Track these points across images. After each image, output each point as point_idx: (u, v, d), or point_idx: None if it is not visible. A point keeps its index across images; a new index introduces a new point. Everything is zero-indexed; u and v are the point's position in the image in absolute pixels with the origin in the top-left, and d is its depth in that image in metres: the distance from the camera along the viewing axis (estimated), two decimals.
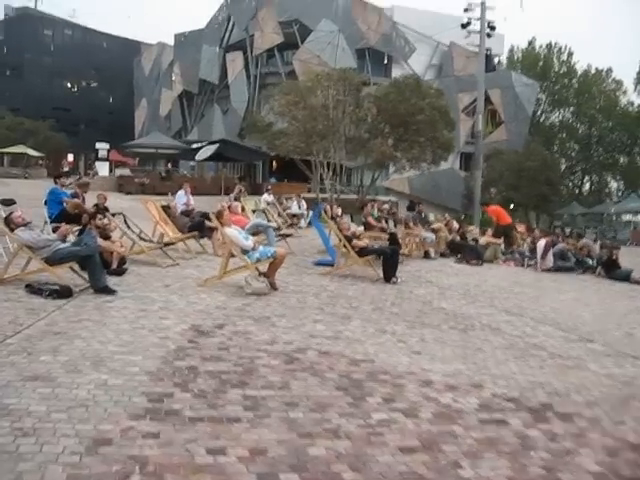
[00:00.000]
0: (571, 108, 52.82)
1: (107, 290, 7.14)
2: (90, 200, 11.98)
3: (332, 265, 11.30)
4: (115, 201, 12.68)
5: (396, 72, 42.47)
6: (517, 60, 54.16)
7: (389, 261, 10.43)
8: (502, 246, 15.14)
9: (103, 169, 43.34)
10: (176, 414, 3.85)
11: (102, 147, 44.59)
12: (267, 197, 20.30)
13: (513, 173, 38.54)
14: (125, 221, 10.03)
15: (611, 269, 13.39)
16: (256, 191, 28.02)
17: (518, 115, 47.35)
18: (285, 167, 38.45)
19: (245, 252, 8.35)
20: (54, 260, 7.10)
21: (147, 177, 33.86)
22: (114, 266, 8.50)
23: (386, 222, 15.42)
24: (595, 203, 48.31)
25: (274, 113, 27.72)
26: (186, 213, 14.22)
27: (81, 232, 10.51)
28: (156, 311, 6.66)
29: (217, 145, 25.19)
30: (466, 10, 27.90)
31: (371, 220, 13.48)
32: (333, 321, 7.06)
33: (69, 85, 65.67)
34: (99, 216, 8.72)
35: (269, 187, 20.96)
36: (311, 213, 21.06)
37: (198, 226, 11.78)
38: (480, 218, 29.03)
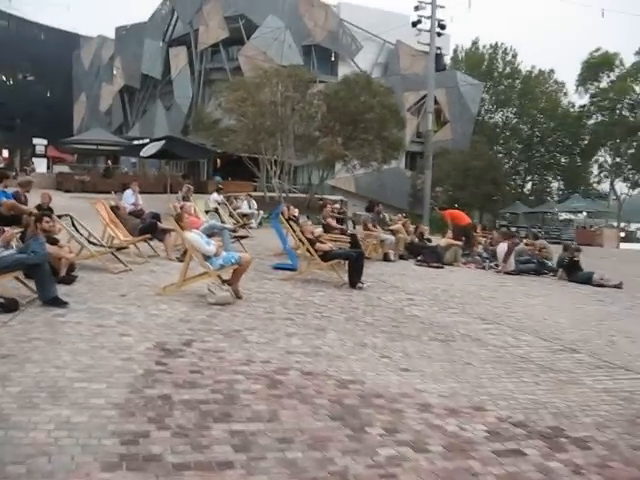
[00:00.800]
0: (514, 108, 53.68)
1: (57, 302, 6.45)
2: (32, 200, 11.17)
3: (293, 269, 10.82)
4: (55, 199, 11.78)
5: (342, 70, 42.20)
6: (461, 60, 54.70)
7: (355, 265, 9.99)
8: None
9: (41, 166, 41.63)
10: (157, 460, 3.27)
11: (39, 143, 42.79)
12: (217, 197, 19.62)
13: (459, 173, 38.89)
14: (73, 223, 9.26)
15: (573, 271, 13.30)
16: (201, 190, 27.17)
17: (463, 115, 47.82)
18: (229, 165, 37.64)
19: (207, 258, 7.75)
20: None
21: (87, 174, 32.58)
22: (62, 274, 7.77)
23: (340, 222, 15.03)
24: (537, 203, 49.26)
25: (222, 109, 26.92)
26: (135, 214, 13.48)
27: (23, 236, 9.77)
28: (114, 326, 6.02)
29: (163, 142, 24.23)
30: (417, 8, 27.77)
31: (331, 221, 13.03)
32: (307, 334, 6.57)
33: (4, 78, 62.73)
34: (45, 219, 7.94)
35: (220, 186, 20.25)
36: (261, 213, 20.53)
37: (150, 228, 11.08)
38: (429, 217, 29.02)
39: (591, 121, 49.53)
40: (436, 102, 45.64)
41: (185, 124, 41.93)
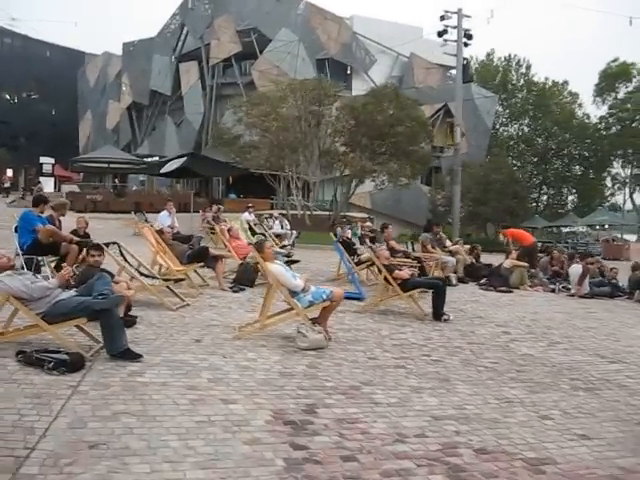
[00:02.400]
0: (528, 121, 52.69)
1: (129, 355, 5.20)
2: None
3: (359, 299, 9.61)
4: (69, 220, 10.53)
5: (356, 84, 41.21)
6: (475, 72, 53.74)
7: (440, 295, 8.76)
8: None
9: (48, 185, 40.44)
10: None
11: (47, 161, 41.71)
12: (248, 216, 18.39)
13: (480, 187, 37.66)
14: (121, 252, 8.00)
15: None
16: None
17: (478, 127, 46.74)
18: (242, 182, 36.44)
19: (293, 294, 6.51)
20: (55, 316, 5.14)
21: (99, 193, 31.37)
22: (120, 315, 6.49)
23: (372, 241, 13.76)
24: (552, 216, 48.03)
25: (243, 125, 25.75)
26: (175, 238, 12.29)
27: (58, 266, 8.53)
28: (209, 388, 4.77)
29: (184, 159, 23.05)
30: (442, 18, 26.65)
31: (395, 244, 11.76)
32: (435, 387, 5.38)
33: (8, 97, 61.56)
34: (92, 252, 6.68)
35: (250, 205, 19.00)
36: (294, 233, 19.29)
37: (201, 254, 9.82)
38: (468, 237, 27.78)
39: (609, 132, 48.42)
40: (451, 115, 44.68)
41: (197, 140, 40.76)
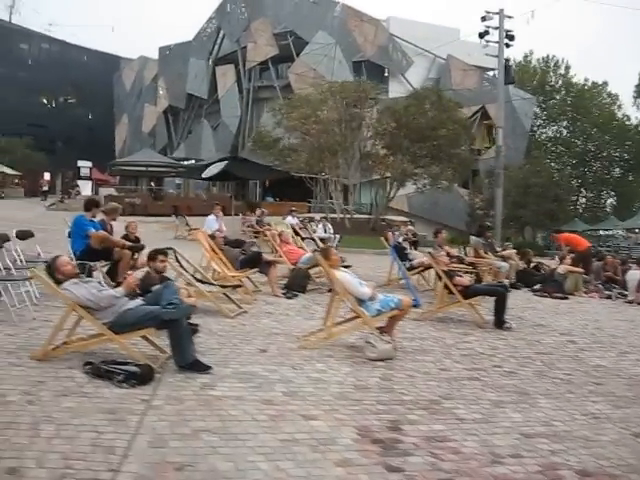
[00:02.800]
0: (567, 122, 51.74)
1: (198, 366, 5.00)
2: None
3: (415, 306, 9.29)
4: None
5: (393, 86, 40.86)
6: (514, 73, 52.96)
7: (502, 302, 8.43)
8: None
9: (86, 188, 40.96)
10: None
11: (84, 165, 42.16)
12: (292, 220, 18.24)
13: (519, 190, 37.00)
14: (177, 258, 7.84)
15: None
16: (255, 211, 25.81)
17: (516, 130, 45.95)
18: (278, 185, 36.40)
19: (361, 302, 6.27)
20: (122, 326, 4.97)
21: (138, 197, 31.54)
22: None
23: (413, 247, 13.42)
24: (591, 220, 47.01)
25: (283, 127, 25.62)
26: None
27: (110, 272, 8.42)
28: (286, 402, 4.56)
29: (226, 162, 22.96)
30: (483, 19, 26.19)
31: (449, 249, 11.43)
32: (515, 402, 5.11)
33: (45, 101, 62.59)
34: (160, 257, 6.52)
35: (293, 208, 18.84)
36: (337, 237, 19.08)
37: (255, 260, 9.63)
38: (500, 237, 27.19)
39: None
40: (488, 117, 44.04)
41: (233, 143, 40.79)
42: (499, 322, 8.35)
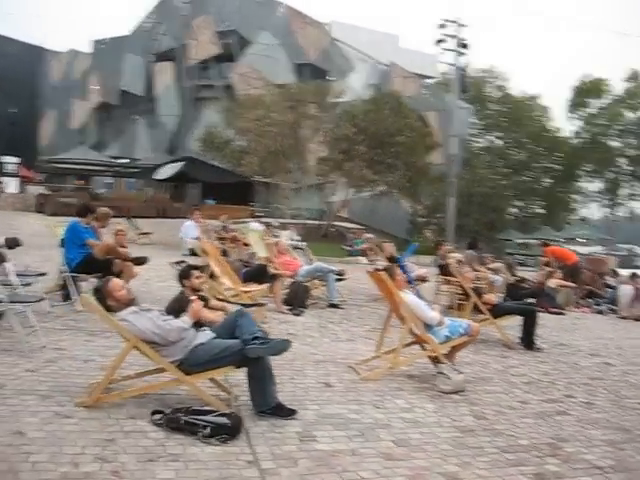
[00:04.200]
0: (499, 133, 52.74)
1: (283, 411, 4.22)
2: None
3: None
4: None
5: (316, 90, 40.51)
6: (450, 83, 53.60)
7: (532, 322, 7.98)
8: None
9: (10, 186, 38.30)
10: None
11: (10, 161, 39.40)
12: (257, 225, 17.35)
13: (462, 199, 37.33)
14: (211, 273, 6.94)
15: None
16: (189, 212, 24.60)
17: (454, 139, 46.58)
18: (217, 187, 35.18)
19: (428, 328, 5.61)
20: (193, 364, 4.11)
21: (74, 196, 29.73)
22: None
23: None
24: (523, 229, 47.99)
25: (235, 129, 24.62)
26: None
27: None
28: (405, 453, 3.90)
29: (182, 163, 21.77)
30: (441, 26, 26.15)
31: (452, 262, 10.89)
32: (626, 440, 4.63)
33: None
34: (196, 273, 5.64)
35: (258, 213, 17.94)
36: (304, 244, 18.28)
37: (259, 273, 8.80)
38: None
39: (579, 146, 48.92)
40: (427, 126, 44.37)
41: (172, 143, 39.31)
42: (529, 342, 7.90)
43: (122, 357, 4.07)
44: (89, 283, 8.00)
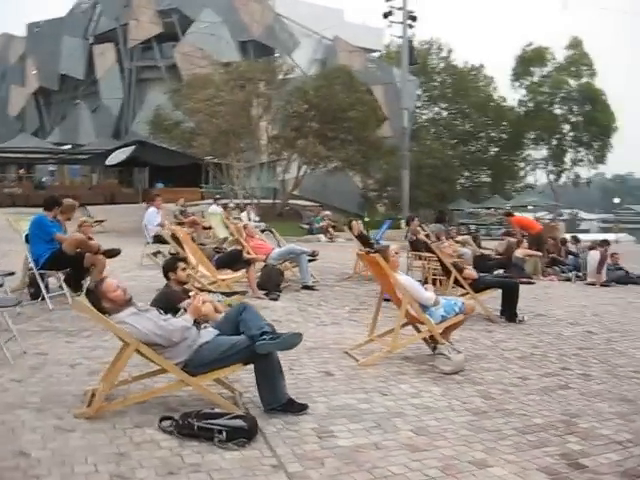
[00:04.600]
0: (445, 104, 53.18)
1: (294, 406, 4.04)
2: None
3: None
4: None
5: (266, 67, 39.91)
6: (394, 56, 53.57)
7: (514, 294, 8.00)
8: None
9: None
10: None
11: None
12: (216, 208, 17.03)
13: (413, 171, 37.51)
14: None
15: None
16: (144, 199, 24.02)
17: (400, 111, 46.65)
18: (164, 170, 34.37)
19: (424, 308, 5.50)
20: (199, 365, 3.88)
21: (18, 186, 28.67)
22: None
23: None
24: (472, 198, 48.59)
25: (184, 110, 23.96)
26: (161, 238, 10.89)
27: (69, 282, 7.08)
28: (428, 443, 3.78)
29: (133, 147, 21.07)
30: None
31: (422, 238, 10.84)
32: (636, 411, 4.54)
33: None
34: (182, 265, 5.37)
35: (217, 196, 17.55)
36: (263, 225, 18.05)
37: (233, 259, 8.55)
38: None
39: (524, 115, 49.68)
40: (375, 99, 44.24)
41: (116, 127, 38.18)
42: (511, 315, 7.91)
43: (123, 362, 3.81)
44: (56, 279, 7.69)
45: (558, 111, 48.84)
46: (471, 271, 8.06)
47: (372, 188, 39.88)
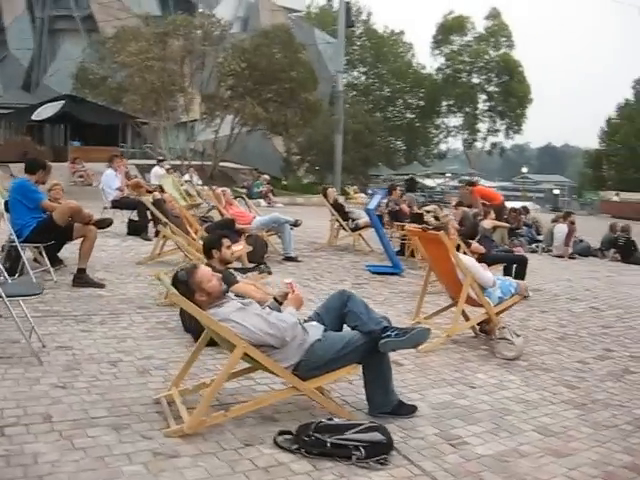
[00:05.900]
0: (364, 69, 52.95)
1: (404, 407, 3.64)
2: None
3: (394, 274, 8.52)
4: None
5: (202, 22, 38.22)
6: (314, 17, 52.66)
7: (523, 270, 7.92)
8: None
9: None
10: None
11: None
12: (160, 170, 16.08)
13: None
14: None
15: (628, 252, 12.36)
16: (59, 158, 22.50)
17: (321, 74, 45.86)
18: (80, 128, 32.34)
19: (483, 290, 5.20)
20: (313, 367, 3.37)
21: None
22: None
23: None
24: (389, 164, 48.90)
25: (114, 64, 22.38)
26: (124, 203, 10.14)
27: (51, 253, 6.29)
28: (575, 448, 3.44)
29: (61, 102, 19.39)
30: None
31: (406, 208, 10.52)
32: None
33: None
34: (227, 241, 4.78)
35: (160, 157, 16.53)
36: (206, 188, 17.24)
37: (225, 228, 7.91)
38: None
39: (441, 82, 50.24)
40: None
41: (26, 79, 35.43)
42: None
43: (229, 369, 3.23)
44: (32, 253, 6.82)
45: (476, 80, 49.75)
46: (479, 246, 7.83)
47: (294, 152, 39.23)
